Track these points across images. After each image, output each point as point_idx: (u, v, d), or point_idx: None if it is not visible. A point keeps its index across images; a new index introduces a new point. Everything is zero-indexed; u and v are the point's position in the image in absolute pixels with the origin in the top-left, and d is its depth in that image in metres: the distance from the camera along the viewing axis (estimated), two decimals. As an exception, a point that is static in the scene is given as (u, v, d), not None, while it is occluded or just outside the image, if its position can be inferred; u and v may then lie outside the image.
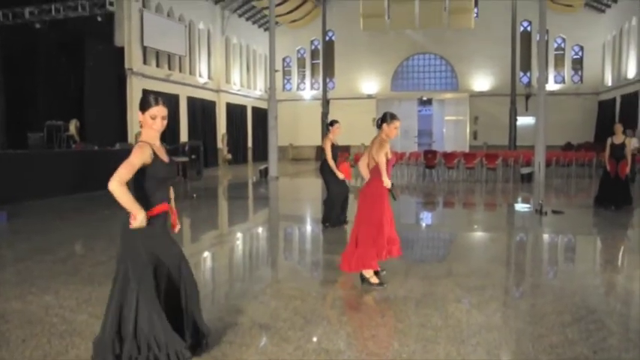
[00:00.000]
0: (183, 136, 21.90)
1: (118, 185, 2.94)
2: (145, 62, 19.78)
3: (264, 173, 18.39)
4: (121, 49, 18.20)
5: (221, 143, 25.61)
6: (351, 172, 8.88)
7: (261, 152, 27.16)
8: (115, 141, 16.04)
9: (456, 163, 16.92)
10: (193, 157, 18.55)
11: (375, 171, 4.93)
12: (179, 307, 3.19)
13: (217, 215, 11.42)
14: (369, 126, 27.94)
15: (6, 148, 13.15)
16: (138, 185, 3.10)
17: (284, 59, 31.79)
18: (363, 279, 4.95)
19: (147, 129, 3.15)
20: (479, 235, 8.54)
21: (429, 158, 17.04)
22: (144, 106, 3.14)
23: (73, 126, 14.78)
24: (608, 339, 3.70)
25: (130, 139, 18.31)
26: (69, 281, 5.24)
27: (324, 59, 28.94)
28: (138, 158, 3.02)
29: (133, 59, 18.67)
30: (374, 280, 4.92)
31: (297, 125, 30.60)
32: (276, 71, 20.15)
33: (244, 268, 6.48)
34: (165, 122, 3.20)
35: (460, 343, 3.64)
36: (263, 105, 27.52)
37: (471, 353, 3.47)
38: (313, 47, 31.70)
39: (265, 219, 10.79)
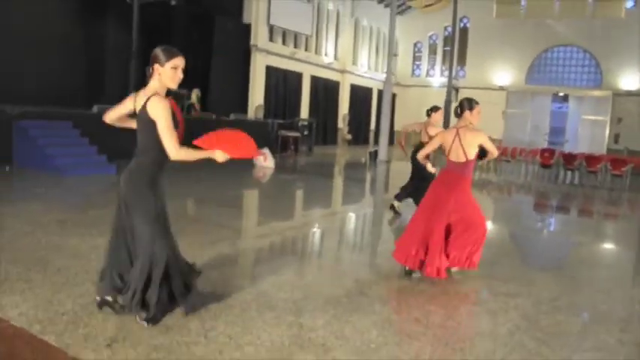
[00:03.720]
0: (304, 113, 22.61)
1: (176, 153, 3.05)
2: (270, 39, 20.62)
3: (374, 156, 18.41)
4: (249, 26, 19.20)
5: (342, 123, 26.03)
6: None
7: (383, 135, 27.16)
8: (234, 112, 17.04)
9: (576, 165, 15.43)
10: (306, 133, 19.20)
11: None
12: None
13: (303, 190, 11.76)
14: (498, 118, 26.63)
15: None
16: (157, 139, 3.07)
17: (415, 44, 31.18)
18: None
19: (166, 80, 3.07)
20: (553, 240, 7.81)
21: (545, 157, 15.75)
22: (164, 56, 3.03)
23: (194, 95, 16.06)
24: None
25: (250, 112, 19.39)
26: (127, 230, 5.84)
27: (454, 46, 27.80)
28: (168, 112, 3.03)
29: (259, 36, 19.59)
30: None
31: (422, 111, 29.85)
32: (395, 55, 19.88)
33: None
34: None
35: (444, 345, 3.48)
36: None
37: (443, 357, 3.32)
38: (446, 33, 30.60)
39: (351, 199, 10.92)
